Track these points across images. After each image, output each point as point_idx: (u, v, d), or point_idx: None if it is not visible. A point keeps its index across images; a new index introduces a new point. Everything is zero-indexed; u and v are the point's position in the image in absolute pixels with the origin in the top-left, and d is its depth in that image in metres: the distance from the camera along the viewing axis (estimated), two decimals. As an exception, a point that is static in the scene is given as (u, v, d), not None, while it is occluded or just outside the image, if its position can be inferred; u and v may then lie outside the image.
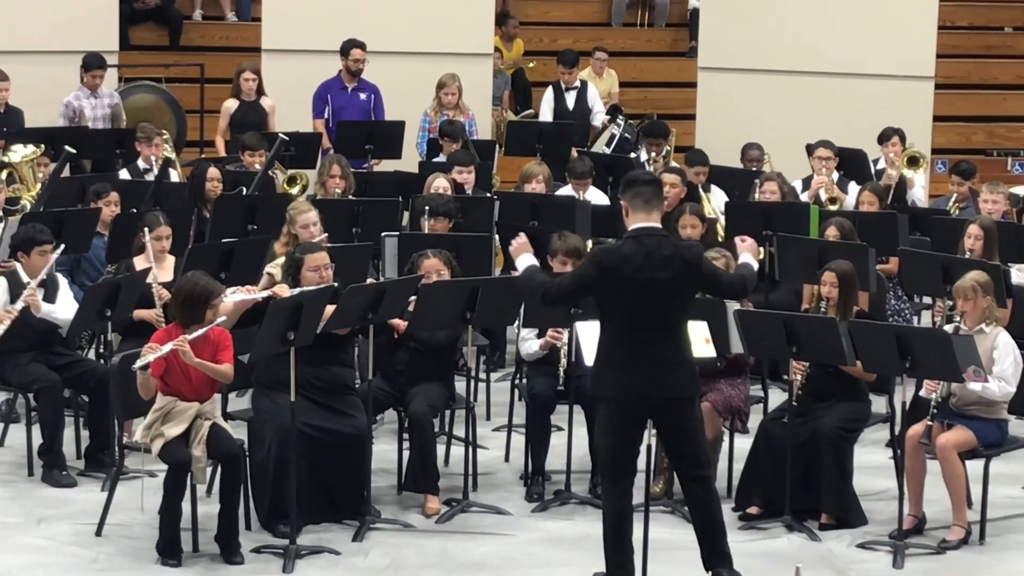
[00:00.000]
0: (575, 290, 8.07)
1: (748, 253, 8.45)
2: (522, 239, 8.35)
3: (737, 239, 8.62)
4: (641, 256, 7.83)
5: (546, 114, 16.50)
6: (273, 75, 15.72)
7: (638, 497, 8.20)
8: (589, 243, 10.97)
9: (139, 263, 10.32)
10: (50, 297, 9.87)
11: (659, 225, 8.00)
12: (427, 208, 11.41)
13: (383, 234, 11.31)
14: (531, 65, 18.80)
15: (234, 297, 9.14)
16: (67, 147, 12.38)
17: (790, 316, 9.29)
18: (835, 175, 13.59)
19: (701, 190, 13.18)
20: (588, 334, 9.24)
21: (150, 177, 13.19)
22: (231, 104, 15.23)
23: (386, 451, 10.00)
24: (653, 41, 20.20)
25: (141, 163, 13.51)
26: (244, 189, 12.43)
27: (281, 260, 10.09)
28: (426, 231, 11.28)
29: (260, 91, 15.24)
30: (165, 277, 10.26)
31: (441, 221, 11.39)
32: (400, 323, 9.48)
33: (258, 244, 10.78)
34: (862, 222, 11.74)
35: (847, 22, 16.08)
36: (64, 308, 9.86)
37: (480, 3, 16.46)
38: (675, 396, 7.90)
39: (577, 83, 16.59)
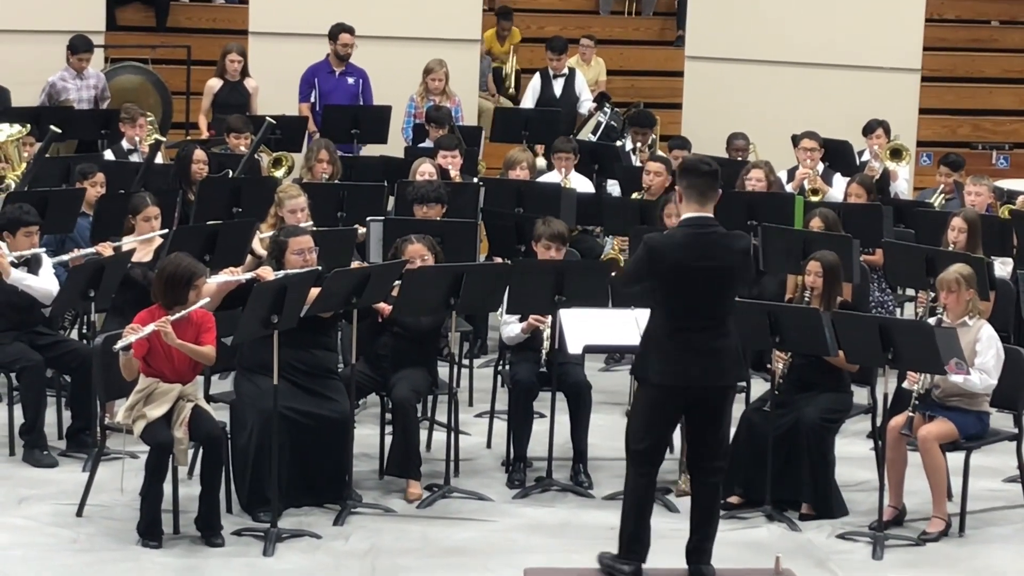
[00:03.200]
0: (634, 271, 7.98)
1: None
2: None
3: None
4: (693, 244, 7.76)
5: (528, 101, 16.48)
6: (260, 58, 15.69)
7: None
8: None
9: (126, 244, 10.30)
10: (32, 272, 9.85)
11: (711, 216, 7.85)
12: (419, 196, 11.37)
13: (368, 219, 11.29)
14: (505, 72, 18.73)
15: (217, 278, 9.12)
16: (52, 127, 12.35)
17: (774, 306, 9.30)
18: (820, 166, 13.59)
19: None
20: (571, 321, 9.27)
21: (134, 158, 13.18)
22: (215, 83, 15.21)
23: (368, 436, 9.99)
24: (640, 29, 20.20)
25: (125, 143, 13.50)
26: (230, 171, 12.41)
27: (268, 233, 10.09)
28: (419, 218, 11.24)
29: (244, 72, 15.22)
30: (145, 259, 10.24)
31: (434, 207, 11.34)
32: (385, 307, 9.48)
33: (243, 227, 10.76)
34: (847, 213, 11.74)
35: (834, 14, 16.08)
36: (38, 279, 9.82)
37: (469, -11, 16.47)
38: (719, 384, 7.82)
39: (565, 70, 16.58)
